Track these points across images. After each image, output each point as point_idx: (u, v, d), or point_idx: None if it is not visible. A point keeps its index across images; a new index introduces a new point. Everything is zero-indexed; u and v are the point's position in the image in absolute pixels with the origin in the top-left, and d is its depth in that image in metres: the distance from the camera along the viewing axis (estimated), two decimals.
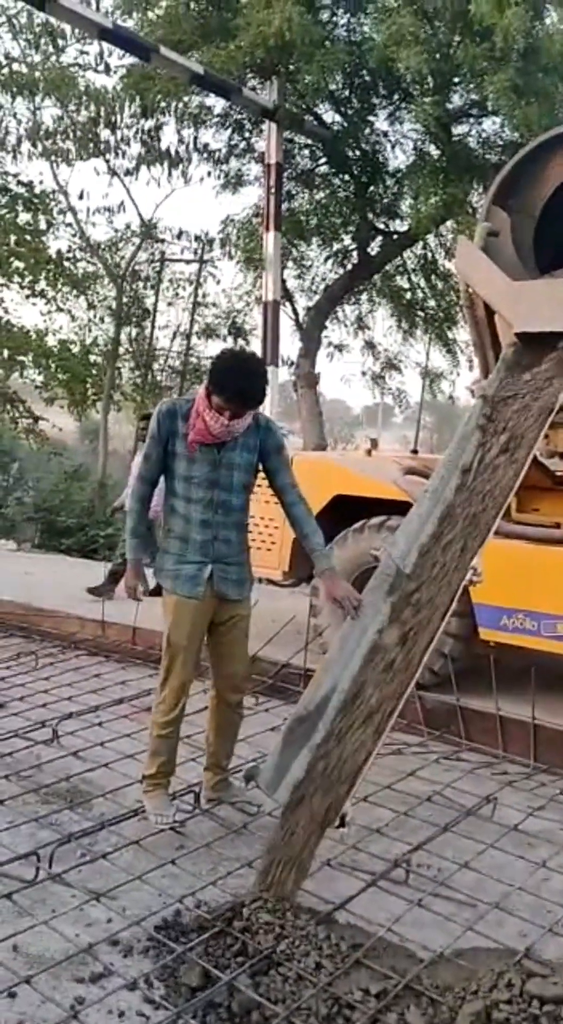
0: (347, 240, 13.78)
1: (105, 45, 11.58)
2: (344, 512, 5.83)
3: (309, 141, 12.74)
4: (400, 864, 3.12)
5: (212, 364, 3.43)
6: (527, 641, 5.05)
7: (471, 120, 11.83)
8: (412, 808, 3.69)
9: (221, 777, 3.71)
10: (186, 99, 11.70)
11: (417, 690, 5.01)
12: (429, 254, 14.01)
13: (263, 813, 3.53)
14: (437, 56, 9.71)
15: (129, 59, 11.28)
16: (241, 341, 15.50)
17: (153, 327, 16.87)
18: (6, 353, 15.28)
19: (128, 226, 16.27)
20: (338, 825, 2.90)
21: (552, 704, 4.49)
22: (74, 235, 15.93)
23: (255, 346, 14.18)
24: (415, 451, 7.51)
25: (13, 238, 14.24)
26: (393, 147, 12.52)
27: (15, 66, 13.40)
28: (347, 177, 12.81)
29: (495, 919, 2.86)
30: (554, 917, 2.86)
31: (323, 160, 12.92)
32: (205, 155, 12.83)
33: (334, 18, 11.32)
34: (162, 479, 3.48)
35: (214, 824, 3.51)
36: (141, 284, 16.77)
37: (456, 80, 10.50)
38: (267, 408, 11.19)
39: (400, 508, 5.21)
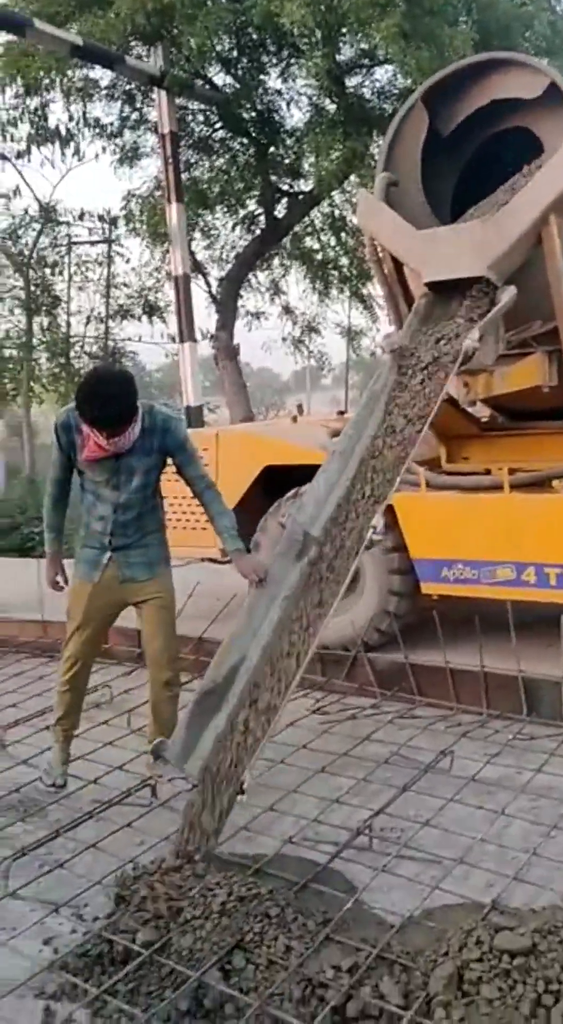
0: (252, 205, 13.55)
1: None
2: (276, 483, 5.77)
3: (203, 106, 12.43)
4: (362, 832, 3.10)
5: (75, 391, 3.50)
6: (469, 590, 5.08)
7: (363, 71, 11.67)
8: (371, 772, 3.67)
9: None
10: (70, 73, 11.27)
11: (366, 651, 5.02)
12: (336, 211, 13.86)
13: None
14: (322, 8, 9.47)
15: (4, 37, 10.80)
16: (156, 319, 15.23)
17: (68, 314, 16.47)
18: None
19: (26, 211, 15.76)
20: (238, 792, 3.02)
21: (499, 650, 4.51)
22: None
23: (171, 322, 13.95)
24: (343, 412, 7.46)
25: None
26: (289, 105, 12.30)
27: None
28: (245, 140, 12.56)
29: (461, 873, 2.86)
30: (518, 864, 2.87)
31: (219, 125, 12.63)
32: (97, 130, 12.41)
33: None
34: None
35: (172, 816, 3.43)
36: (48, 271, 16.31)
37: (344, 31, 10.29)
38: (188, 384, 11.08)
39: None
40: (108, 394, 3.35)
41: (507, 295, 4.08)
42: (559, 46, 10.51)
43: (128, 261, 17.03)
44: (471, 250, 4.18)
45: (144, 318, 15.50)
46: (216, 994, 2.30)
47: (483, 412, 5.91)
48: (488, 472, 5.35)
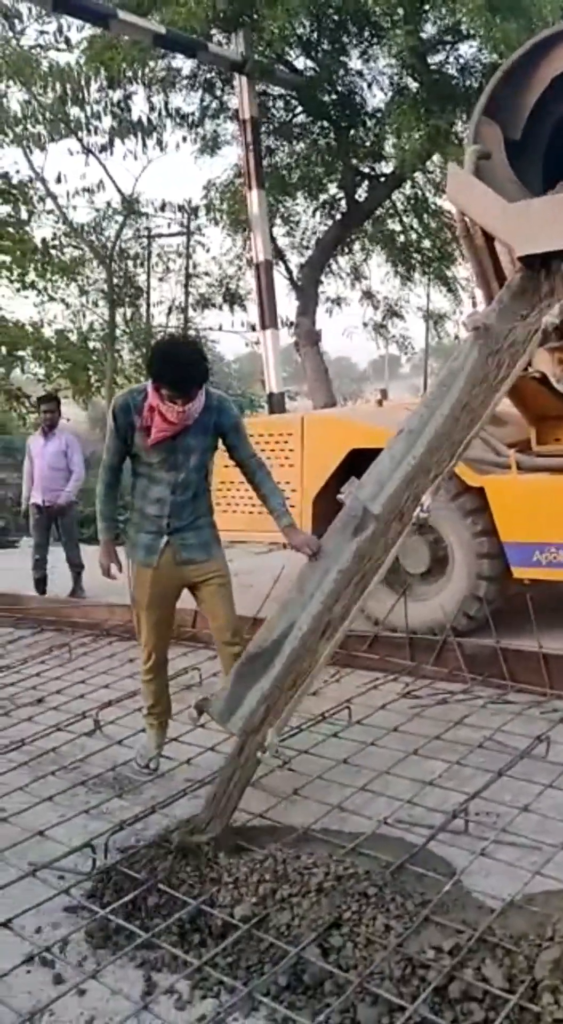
0: (333, 189, 13.47)
1: (64, 19, 11.29)
2: (362, 466, 5.70)
3: (283, 91, 12.39)
4: (458, 815, 3.04)
5: (148, 358, 3.60)
6: (561, 574, 4.94)
7: (447, 47, 11.45)
8: (464, 756, 3.61)
9: None
10: (152, 64, 11.41)
11: (455, 636, 4.94)
12: (418, 193, 13.68)
13: (307, 776, 3.48)
14: None
15: (89, 31, 10.98)
16: (237, 307, 15.29)
17: (148, 305, 16.69)
18: (4, 349, 15.18)
19: (109, 204, 16.02)
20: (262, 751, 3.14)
21: None
22: (57, 221, 15.72)
23: (251, 310, 13.99)
24: None
25: None
26: (370, 86, 12.18)
27: None
28: (326, 124, 12.48)
29: (562, 859, 2.78)
30: None
31: (299, 110, 12.58)
32: (178, 120, 12.56)
33: None
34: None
35: (262, 794, 3.44)
36: (130, 263, 16.57)
37: (427, 7, 10.11)
38: (271, 370, 11.11)
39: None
40: (186, 357, 3.44)
41: None
42: None
43: (208, 250, 17.15)
44: None
45: (225, 307, 15.59)
46: (316, 970, 2.29)
47: None
48: None
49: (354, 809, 3.24)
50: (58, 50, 12.81)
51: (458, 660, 4.75)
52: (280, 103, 12.73)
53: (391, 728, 3.98)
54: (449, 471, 3.63)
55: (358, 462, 5.73)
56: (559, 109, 4.73)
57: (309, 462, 6.00)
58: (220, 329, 17.11)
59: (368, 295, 15.39)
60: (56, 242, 15.61)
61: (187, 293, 16.61)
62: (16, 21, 12.90)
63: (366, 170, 12.98)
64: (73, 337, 16.16)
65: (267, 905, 2.52)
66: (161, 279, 16.97)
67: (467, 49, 11.28)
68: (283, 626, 3.47)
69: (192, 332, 16.81)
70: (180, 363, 3.40)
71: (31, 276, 15.17)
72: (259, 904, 2.53)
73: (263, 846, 2.92)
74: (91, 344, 16.54)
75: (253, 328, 14.02)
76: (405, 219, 14.23)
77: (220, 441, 3.68)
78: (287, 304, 13.70)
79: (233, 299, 15.51)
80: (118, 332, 16.52)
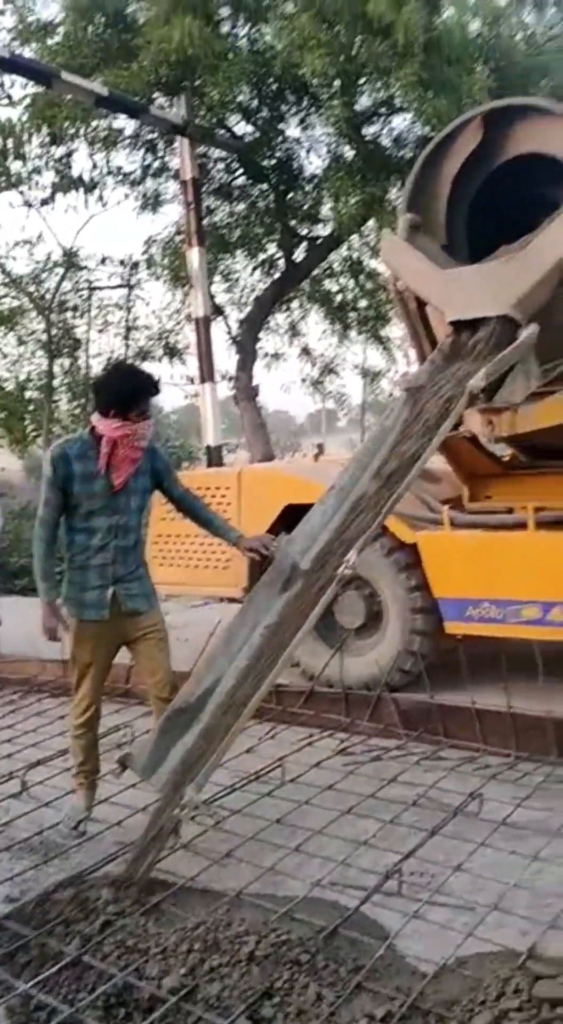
0: (272, 249, 13.72)
1: (7, 77, 11.39)
2: (298, 522, 5.75)
3: (223, 154, 12.68)
4: (391, 876, 3.02)
5: (104, 389, 3.62)
6: (494, 629, 5.03)
7: (381, 118, 11.87)
8: (398, 815, 3.60)
9: None
10: (94, 123, 11.55)
11: (390, 692, 4.96)
12: (354, 255, 14.02)
13: (241, 837, 3.42)
14: (340, 57, 9.69)
15: (33, 88, 11.09)
16: (176, 361, 15.37)
17: (87, 356, 16.64)
18: None
19: (49, 256, 16.03)
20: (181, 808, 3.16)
21: (527, 690, 4.44)
22: None
23: (191, 364, 14.07)
24: None
25: None
26: (308, 152, 12.49)
27: None
28: (265, 186, 12.77)
29: (494, 920, 2.78)
30: (554, 911, 2.78)
31: (239, 172, 12.85)
32: (120, 177, 12.68)
33: (235, 29, 11.24)
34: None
35: (197, 859, 3.36)
36: (70, 314, 16.53)
37: (362, 80, 10.50)
38: (209, 424, 11.15)
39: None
40: (133, 368, 3.69)
41: (526, 333, 4.08)
42: None
43: (148, 304, 17.29)
44: (495, 289, 4.21)
45: (164, 360, 15.64)
46: None
47: (505, 451, 5.91)
48: (511, 511, 5.32)
49: (287, 872, 3.20)
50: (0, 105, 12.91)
51: (393, 716, 4.77)
52: (220, 165, 12.99)
53: (325, 786, 3.96)
54: (377, 528, 3.68)
55: (294, 517, 5.78)
56: (475, 186, 4.91)
57: (245, 516, 6.01)
58: (159, 382, 17.13)
59: (306, 352, 15.63)
60: None
61: (127, 345, 16.62)
62: None
63: (304, 232, 13.28)
64: (10, 387, 15.98)
65: (196, 976, 2.46)
66: (101, 331, 16.96)
67: (400, 121, 11.70)
68: (209, 681, 3.46)
69: None
70: (139, 372, 3.62)
71: None
72: (188, 975, 2.46)
73: (194, 912, 2.85)
74: (28, 394, 16.38)
75: (192, 381, 14.10)
76: (342, 280, 14.55)
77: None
78: (226, 358, 13.86)
79: (172, 352, 15.57)
80: (56, 382, 16.41)
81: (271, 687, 3.48)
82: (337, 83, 9.99)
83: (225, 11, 10.82)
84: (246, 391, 13.11)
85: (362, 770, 4.21)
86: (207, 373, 11.30)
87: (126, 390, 3.49)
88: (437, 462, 5.63)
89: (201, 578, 6.33)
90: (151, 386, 3.58)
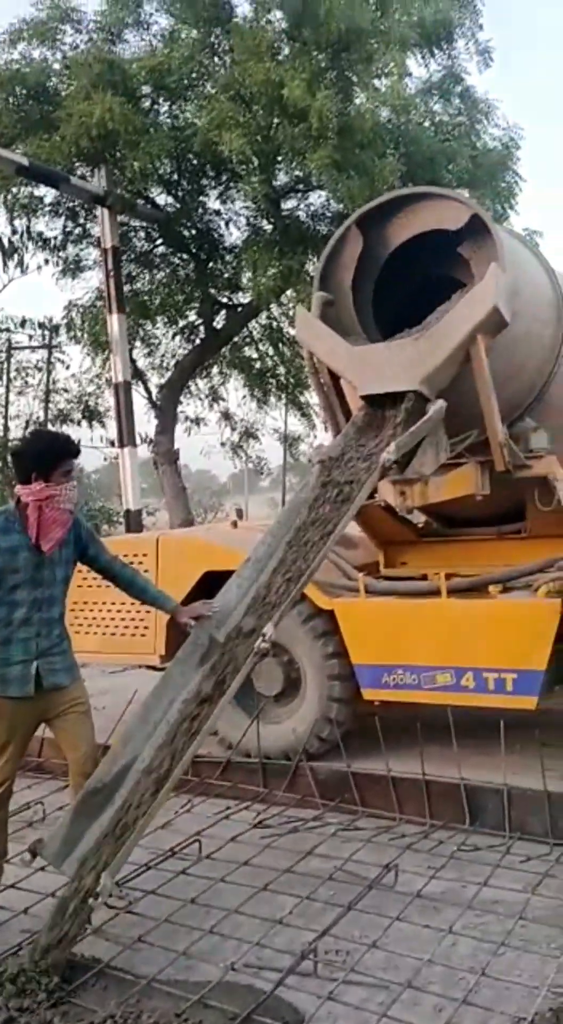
0: (192, 316, 13.96)
1: None
2: (217, 589, 5.75)
3: (144, 223, 12.91)
4: (307, 956, 2.98)
5: (23, 456, 3.58)
6: (409, 696, 5.08)
7: (298, 195, 12.32)
8: (314, 890, 3.56)
9: None
10: (15, 190, 11.65)
11: (308, 759, 4.94)
12: (273, 323, 14.36)
13: (154, 920, 3.33)
14: (258, 138, 10.09)
15: None
16: (96, 423, 15.32)
17: (6, 418, 16.47)
18: None
19: None
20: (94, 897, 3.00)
21: (442, 757, 4.49)
22: None
23: (110, 426, 14.06)
24: None
25: None
26: (227, 224, 12.87)
27: None
28: (186, 256, 13.04)
29: (410, 998, 2.76)
30: (466, 985, 2.79)
31: (160, 241, 13.10)
32: (40, 243, 12.77)
33: (156, 106, 11.60)
34: None
35: (106, 945, 3.25)
36: None
37: (279, 159, 10.93)
38: (128, 488, 11.12)
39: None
40: (56, 432, 3.59)
41: (434, 408, 4.25)
42: (480, 178, 11.30)
43: (68, 367, 17.25)
44: (404, 366, 4.39)
45: (83, 423, 15.57)
46: None
47: (419, 518, 6.05)
48: (425, 577, 5.44)
49: (201, 955, 3.11)
50: None
51: (310, 785, 4.74)
52: (141, 234, 13.22)
53: (242, 862, 3.89)
54: (293, 600, 3.72)
55: (213, 584, 5.78)
56: (375, 272, 5.15)
57: (163, 583, 5.93)
58: (79, 443, 17.01)
59: (226, 416, 15.81)
60: None
61: (46, 408, 16.52)
62: None
63: (224, 300, 13.57)
64: None
65: None
66: (20, 393, 16.85)
67: (317, 198, 12.20)
68: (125, 759, 3.39)
69: None
70: (58, 436, 3.70)
71: None
72: None
73: (103, 1003, 2.75)
74: None
75: (112, 444, 14.06)
76: (261, 347, 14.88)
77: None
78: (146, 422, 13.87)
79: (92, 416, 15.55)
80: None
81: (188, 765, 3.41)
82: (256, 161, 10.37)
83: (146, 88, 11.14)
84: (166, 455, 13.15)
85: (279, 843, 4.15)
86: (127, 438, 11.33)
87: (47, 454, 3.47)
88: (353, 528, 5.73)
89: (118, 645, 6.22)
90: (71, 447, 3.59)
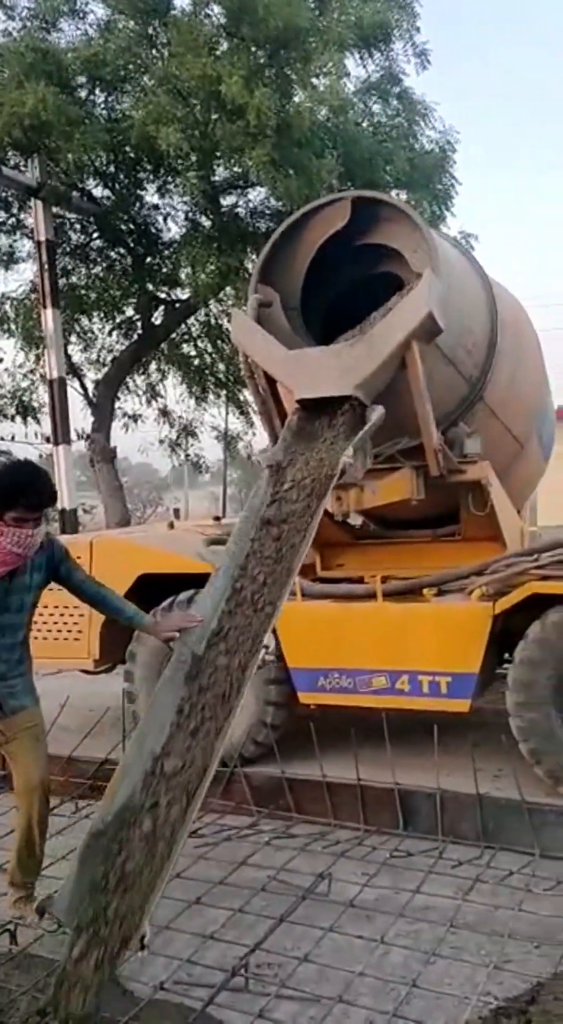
0: (129, 311, 13.74)
1: None
2: (151, 591, 5.66)
3: (80, 216, 12.65)
4: (238, 971, 2.94)
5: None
6: (345, 699, 5.07)
7: (237, 191, 12.22)
8: (247, 901, 3.53)
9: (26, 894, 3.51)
10: None
11: (243, 764, 4.90)
12: (212, 320, 14.23)
13: None
14: (196, 133, 9.96)
15: None
16: (30, 419, 14.98)
17: None
18: None
19: None
20: (140, 948, 2.72)
21: (376, 761, 4.49)
22: None
23: (45, 422, 13.78)
24: (218, 518, 7.49)
25: None
26: (165, 219, 12.68)
27: None
28: (123, 250, 12.82)
29: (341, 1012, 2.75)
30: (398, 996, 2.79)
31: (96, 234, 12.86)
32: None
33: (91, 97, 11.37)
34: None
35: (43, 963, 3.16)
36: None
37: (217, 155, 10.81)
38: (63, 487, 10.89)
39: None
40: (35, 471, 3.34)
41: (376, 415, 4.24)
42: (417, 180, 11.36)
43: (1, 361, 16.86)
44: (339, 370, 4.36)
45: (18, 418, 15.20)
46: None
47: (356, 520, 6.05)
48: (361, 579, 5.44)
49: (130, 974, 3.05)
50: None
51: (245, 792, 4.70)
52: (77, 226, 12.96)
53: (174, 875, 3.82)
54: (282, 603, 3.60)
55: (148, 587, 5.69)
56: (343, 268, 5.13)
57: None
58: (12, 440, 16.62)
59: (164, 413, 15.61)
60: None
61: None
62: None
63: (162, 295, 13.38)
64: None
65: None
66: None
67: (256, 195, 12.10)
68: (124, 795, 3.11)
69: None
70: (35, 478, 3.28)
71: None
72: None
73: None
74: None
75: (47, 440, 13.77)
76: (200, 343, 14.72)
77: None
78: (82, 418, 13.60)
79: (26, 411, 15.19)
80: None
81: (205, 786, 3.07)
82: (193, 156, 10.24)
83: (82, 79, 10.91)
84: (102, 452, 12.94)
85: (213, 853, 4.11)
86: (62, 435, 11.11)
87: (10, 495, 3.21)
88: None
89: (52, 649, 6.10)
90: (30, 500, 3.21)
